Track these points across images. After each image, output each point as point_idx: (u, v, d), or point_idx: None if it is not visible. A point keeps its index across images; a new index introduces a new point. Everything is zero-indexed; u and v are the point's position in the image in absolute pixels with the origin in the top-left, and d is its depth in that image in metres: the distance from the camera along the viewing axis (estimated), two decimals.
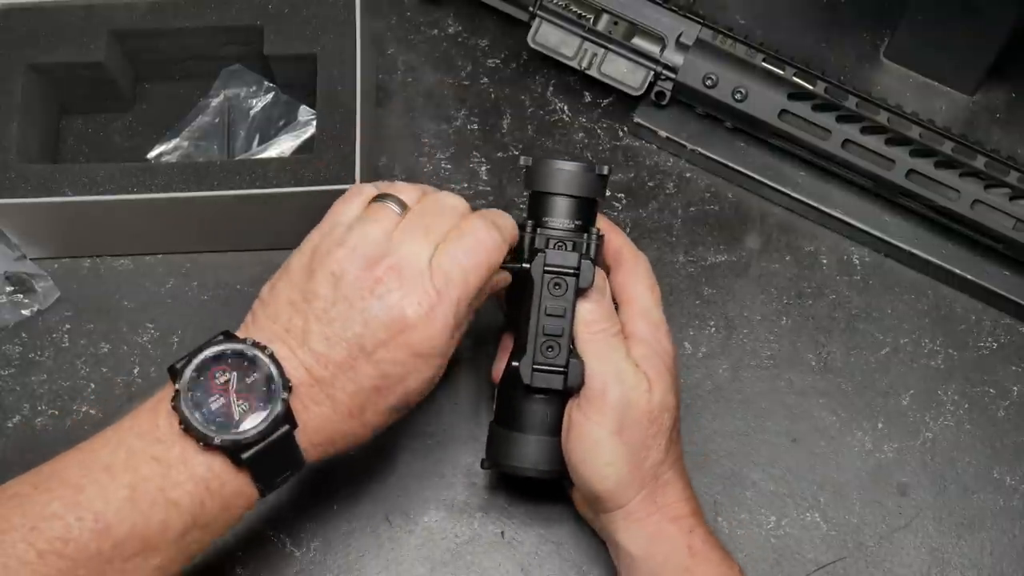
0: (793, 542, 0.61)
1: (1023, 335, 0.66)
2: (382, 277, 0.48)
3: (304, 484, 0.61)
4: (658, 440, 0.53)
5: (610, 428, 0.52)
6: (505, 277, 0.55)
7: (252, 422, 0.46)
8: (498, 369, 0.59)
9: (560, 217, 0.55)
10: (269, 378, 0.47)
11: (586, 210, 0.56)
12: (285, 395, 0.46)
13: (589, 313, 0.54)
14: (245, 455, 0.46)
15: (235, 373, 0.47)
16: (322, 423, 0.48)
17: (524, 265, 0.54)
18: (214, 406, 0.46)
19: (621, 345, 0.54)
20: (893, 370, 0.65)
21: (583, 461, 0.52)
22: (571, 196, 0.55)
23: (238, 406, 0.46)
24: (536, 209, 0.56)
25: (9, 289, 0.65)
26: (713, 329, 0.66)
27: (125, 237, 0.66)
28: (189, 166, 0.62)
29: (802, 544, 0.61)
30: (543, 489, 0.61)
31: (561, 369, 0.54)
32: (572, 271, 0.54)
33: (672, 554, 0.52)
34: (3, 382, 0.64)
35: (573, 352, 0.54)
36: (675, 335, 0.65)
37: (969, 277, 0.66)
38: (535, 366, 0.54)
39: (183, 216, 0.63)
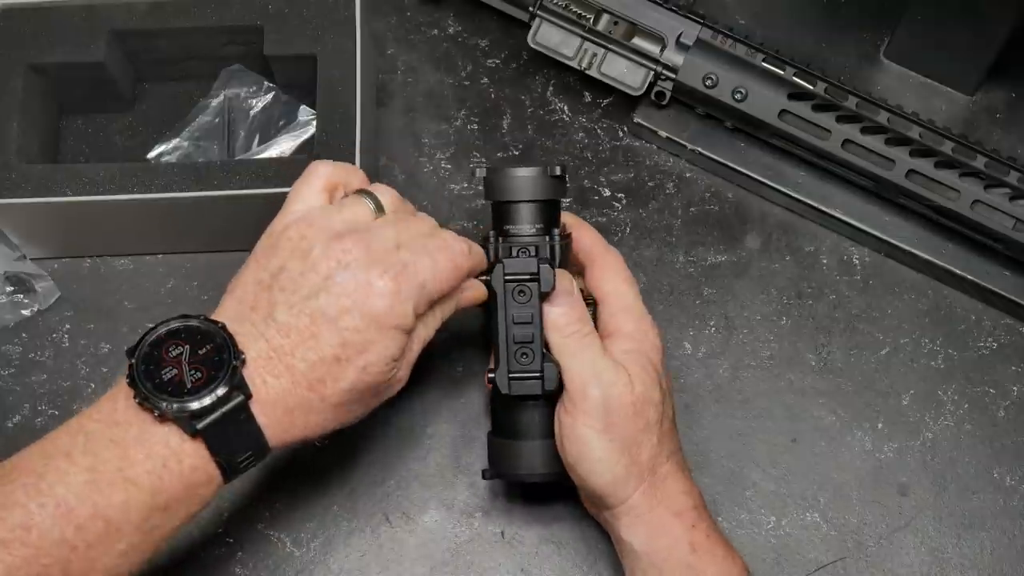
0: (793, 542, 0.61)
1: (1023, 335, 0.66)
2: (350, 248, 0.49)
3: (304, 484, 0.61)
4: (648, 434, 0.53)
5: (597, 426, 0.52)
6: (480, 292, 0.55)
7: (204, 391, 0.46)
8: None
9: (521, 223, 0.55)
10: (221, 348, 0.47)
11: (546, 213, 0.56)
12: (235, 363, 0.47)
13: (559, 317, 0.54)
14: (199, 424, 0.46)
15: (188, 347, 0.47)
16: (280, 396, 0.48)
17: (484, 277, 0.54)
18: (166, 376, 0.46)
19: (595, 343, 0.54)
20: (893, 370, 0.65)
21: (577, 462, 0.53)
22: (528, 201, 0.55)
23: (190, 375, 0.46)
24: (498, 219, 0.56)
25: (9, 289, 0.65)
26: (713, 329, 0.66)
27: (125, 237, 0.66)
28: (189, 166, 0.62)
29: (802, 544, 0.61)
30: (543, 489, 0.61)
31: (536, 375, 0.54)
32: (534, 276, 0.53)
33: (674, 549, 0.52)
34: (3, 382, 0.64)
35: (547, 356, 0.54)
36: (675, 335, 0.66)
37: (969, 277, 0.66)
38: (511, 375, 0.54)
39: (183, 216, 0.63)
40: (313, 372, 0.48)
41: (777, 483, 0.62)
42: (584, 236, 0.58)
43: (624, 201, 0.70)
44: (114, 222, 0.64)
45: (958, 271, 0.66)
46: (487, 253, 0.55)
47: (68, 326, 0.65)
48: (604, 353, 0.53)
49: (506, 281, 0.54)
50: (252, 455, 0.48)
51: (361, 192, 0.53)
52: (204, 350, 0.47)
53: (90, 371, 0.64)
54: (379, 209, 0.52)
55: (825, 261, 0.68)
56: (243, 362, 0.47)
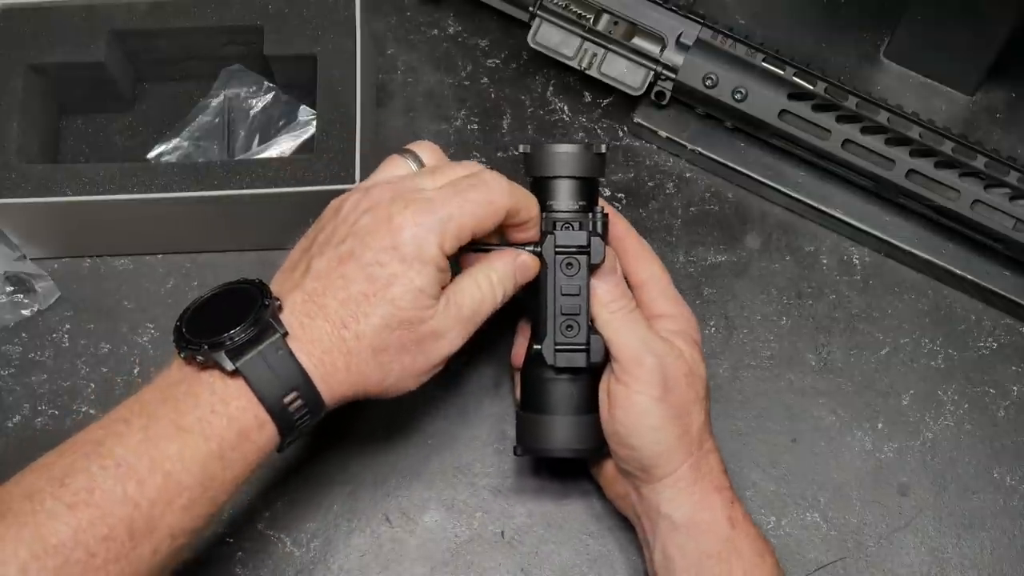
0: (793, 542, 0.61)
1: (1023, 335, 0.66)
2: (375, 195, 0.51)
3: (304, 484, 0.61)
4: (698, 406, 0.54)
5: (654, 394, 0.52)
6: (533, 265, 0.55)
7: (238, 328, 0.48)
8: (518, 354, 0.59)
9: (564, 199, 0.56)
10: (255, 297, 0.49)
11: (588, 190, 0.56)
12: (266, 302, 0.48)
13: (605, 293, 0.55)
14: (238, 363, 0.47)
15: (227, 304, 0.50)
16: (317, 336, 0.49)
17: (535, 248, 0.55)
18: (207, 325, 0.48)
19: (640, 319, 0.55)
20: (893, 370, 0.65)
21: (632, 432, 0.53)
22: (572, 178, 0.56)
23: (227, 318, 0.48)
24: (539, 194, 0.56)
25: (9, 289, 0.65)
26: (713, 329, 0.66)
27: (125, 237, 0.66)
28: (189, 166, 0.62)
29: (802, 544, 0.61)
30: (543, 488, 0.61)
31: (582, 347, 0.54)
32: (583, 249, 0.54)
33: (715, 524, 0.53)
34: (3, 382, 0.64)
35: (592, 329, 0.54)
36: None
37: (969, 277, 0.66)
38: (557, 346, 0.55)
39: (183, 216, 0.63)
40: (344, 309, 0.49)
41: (777, 483, 0.62)
42: (618, 223, 0.59)
43: (624, 201, 0.70)
44: (114, 222, 0.64)
45: (958, 271, 0.66)
46: None
47: (68, 326, 0.65)
48: (650, 329, 0.54)
49: (556, 253, 0.54)
50: (306, 407, 0.48)
51: (402, 151, 0.55)
52: (242, 302, 0.49)
53: (90, 371, 0.64)
54: (420, 166, 0.54)
55: (825, 261, 0.68)
56: (279, 307, 0.49)
